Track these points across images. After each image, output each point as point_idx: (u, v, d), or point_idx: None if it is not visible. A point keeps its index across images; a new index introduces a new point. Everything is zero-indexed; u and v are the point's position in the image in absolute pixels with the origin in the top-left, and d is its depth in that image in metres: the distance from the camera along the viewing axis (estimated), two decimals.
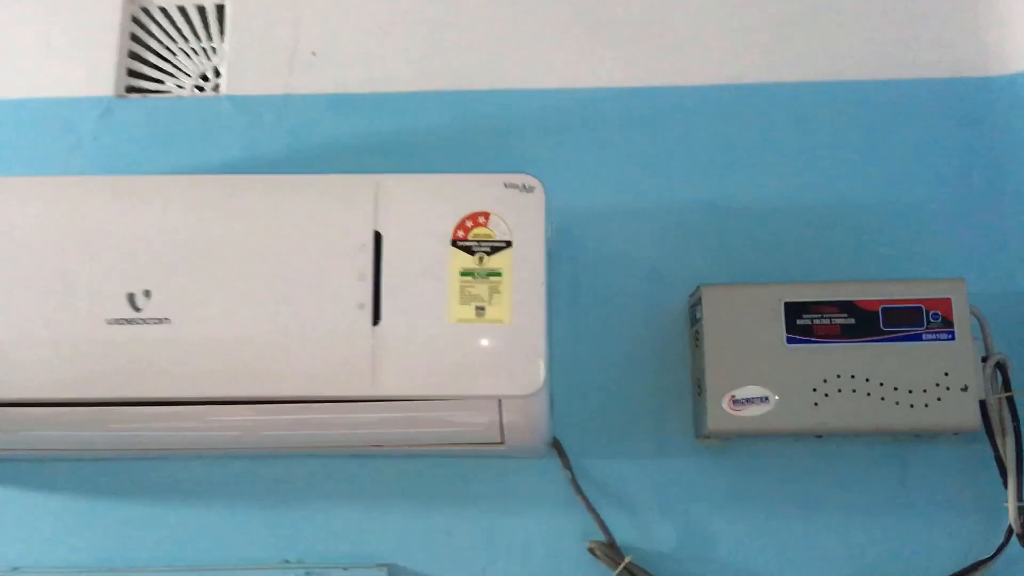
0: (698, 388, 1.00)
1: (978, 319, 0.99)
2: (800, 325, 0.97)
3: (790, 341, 0.96)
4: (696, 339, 1.01)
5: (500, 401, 0.90)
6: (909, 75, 1.09)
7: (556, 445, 1.02)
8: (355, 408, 0.90)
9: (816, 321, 0.97)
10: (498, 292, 0.90)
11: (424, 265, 0.90)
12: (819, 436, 1.01)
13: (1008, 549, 0.96)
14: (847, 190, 1.08)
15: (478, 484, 1.04)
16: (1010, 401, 0.97)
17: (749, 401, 0.96)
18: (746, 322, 0.97)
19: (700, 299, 0.98)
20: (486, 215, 0.92)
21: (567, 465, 1.01)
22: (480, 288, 0.90)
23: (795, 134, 1.09)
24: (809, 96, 1.10)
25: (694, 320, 1.02)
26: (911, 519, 1.01)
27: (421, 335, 0.89)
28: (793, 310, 0.97)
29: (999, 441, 0.97)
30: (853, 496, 1.02)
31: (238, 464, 1.04)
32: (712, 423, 0.96)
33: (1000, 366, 0.98)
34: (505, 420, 0.92)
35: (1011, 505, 0.96)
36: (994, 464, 0.97)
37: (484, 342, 0.89)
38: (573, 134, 1.12)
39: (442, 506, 1.04)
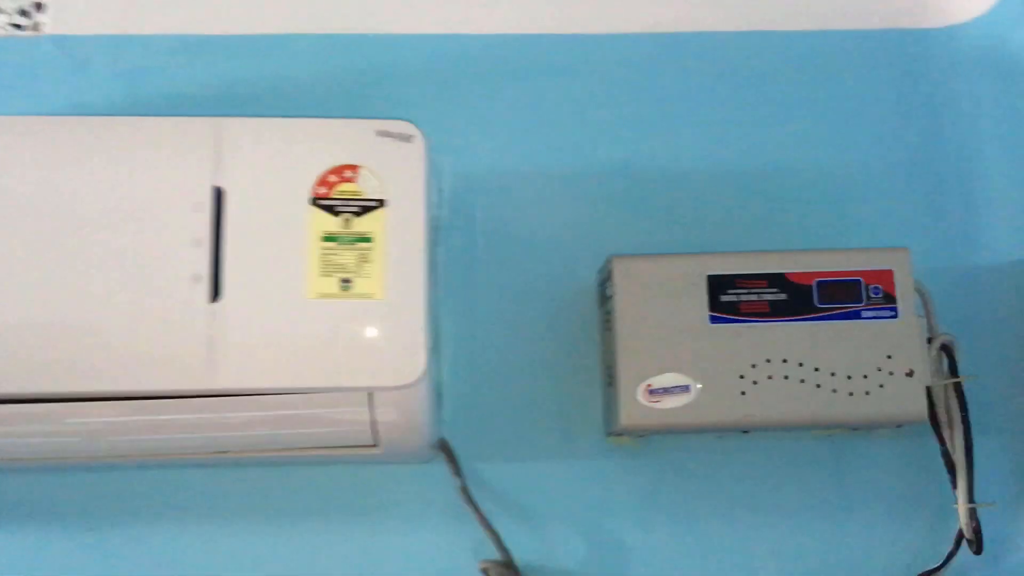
0: (609, 377, 0.86)
1: (921, 295, 0.87)
2: (725, 302, 0.84)
3: (714, 320, 0.83)
4: (607, 320, 0.87)
5: (370, 394, 0.75)
6: (841, 26, 0.97)
7: (443, 447, 0.87)
8: (189, 406, 0.72)
9: (743, 297, 0.84)
10: (368, 261, 0.74)
11: (277, 228, 0.74)
12: (746, 431, 0.89)
13: (958, 557, 0.85)
14: (775, 151, 0.95)
15: (349, 496, 0.88)
16: (957, 388, 0.86)
17: (667, 391, 0.82)
18: (664, 299, 0.83)
19: (610, 273, 0.85)
20: (354, 169, 0.76)
21: (456, 471, 0.86)
22: (346, 256, 0.74)
23: (717, 89, 0.96)
24: (733, 47, 0.97)
25: (604, 298, 0.88)
26: (850, 524, 0.88)
27: (271, 314, 0.72)
28: (717, 284, 0.83)
29: (946, 434, 0.86)
30: (784, 499, 0.89)
31: (52, 478, 0.86)
32: (625, 417, 0.82)
33: (946, 348, 0.86)
34: (378, 417, 0.76)
35: (961, 507, 0.85)
36: (940, 460, 0.86)
37: (350, 322, 0.73)
38: (466, 88, 0.96)
39: (306, 523, 0.87)
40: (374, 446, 0.78)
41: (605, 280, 0.87)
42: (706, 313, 0.83)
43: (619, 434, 0.86)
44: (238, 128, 0.75)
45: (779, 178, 0.94)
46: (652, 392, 0.82)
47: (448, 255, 0.93)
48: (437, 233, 0.91)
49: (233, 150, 0.74)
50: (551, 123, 0.96)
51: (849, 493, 0.89)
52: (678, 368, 0.82)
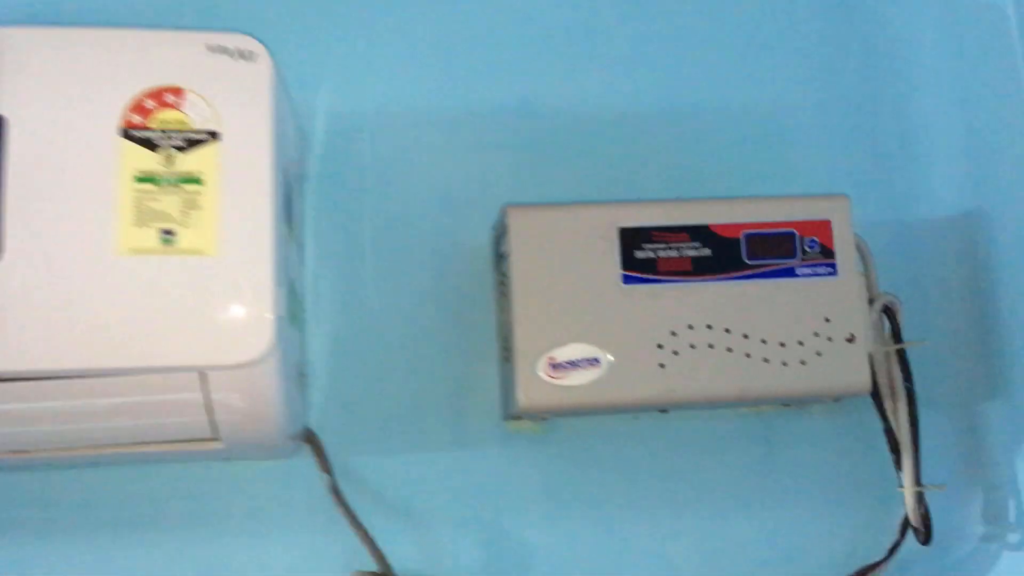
0: (506, 351, 0.73)
1: (860, 250, 0.77)
2: (640, 259, 0.72)
3: (627, 280, 0.71)
4: (502, 283, 0.74)
5: (202, 375, 0.60)
6: None
7: (309, 439, 0.73)
8: None
9: (661, 253, 0.72)
10: (197, 208, 0.59)
11: (76, 167, 0.58)
12: (665, 410, 0.78)
13: (904, 547, 0.74)
14: (694, 89, 0.82)
15: (198, 499, 0.72)
16: (901, 356, 0.75)
17: (573, 365, 0.70)
18: (568, 256, 0.70)
19: (506, 227, 0.72)
20: (178, 92, 0.61)
21: (325, 466, 0.72)
22: (168, 202, 0.59)
23: (628, 19, 0.83)
24: None
25: (500, 257, 0.75)
26: (783, 513, 0.77)
27: (69, 275, 0.57)
28: (631, 238, 0.71)
29: (889, 408, 0.75)
30: (709, 487, 0.77)
31: None
32: (523, 396, 0.68)
33: (888, 311, 0.76)
34: (214, 404, 0.61)
35: (907, 491, 0.74)
36: (883, 438, 0.76)
37: (173, 284, 0.59)
38: (341, 13, 0.82)
39: (144, 532, 0.72)
40: (214, 439, 0.63)
41: (500, 236, 0.74)
42: (618, 272, 0.70)
43: (518, 417, 0.73)
44: (23, 40, 0.58)
45: (699, 119, 0.82)
46: (555, 367, 0.69)
47: (317, 209, 0.78)
48: (301, 183, 0.77)
49: (17, 68, 0.58)
50: (441, 57, 0.82)
51: (782, 478, 0.77)
52: (585, 338, 0.69)
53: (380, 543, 0.71)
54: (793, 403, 0.77)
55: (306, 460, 0.72)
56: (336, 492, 0.72)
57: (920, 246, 0.82)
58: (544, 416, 0.74)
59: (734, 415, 0.78)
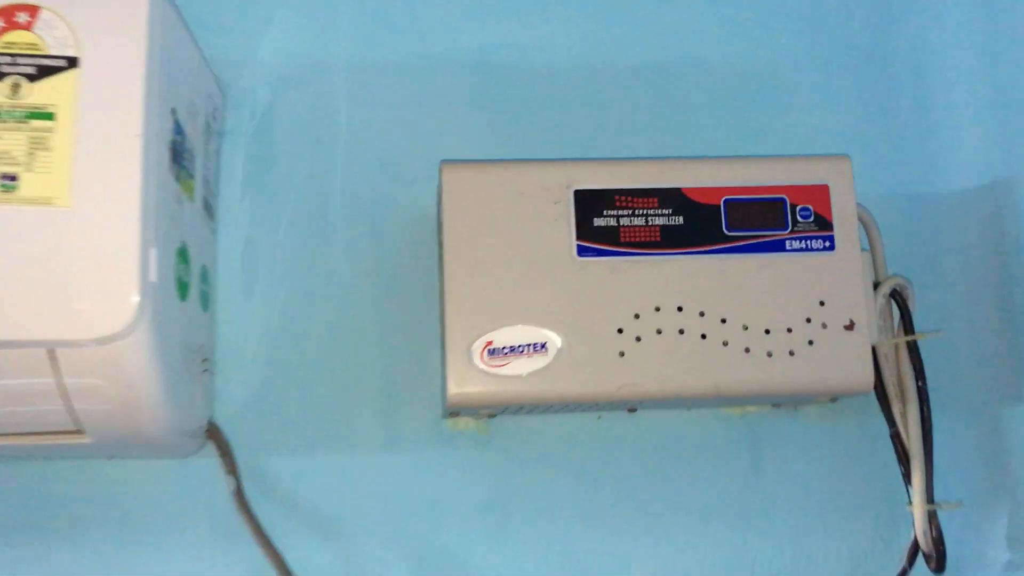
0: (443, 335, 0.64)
1: (865, 224, 0.66)
2: (599, 227, 0.61)
3: (583, 252, 0.60)
4: (440, 253, 0.64)
5: (52, 353, 0.50)
6: None
7: (213, 435, 0.62)
8: None
9: (624, 220, 0.61)
10: (46, 149, 0.49)
11: None
12: (632, 409, 0.67)
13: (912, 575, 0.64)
14: (677, 40, 0.71)
15: (76, 504, 0.62)
16: (912, 349, 0.64)
17: (515, 351, 0.59)
18: (514, 222, 0.59)
19: (440, 187, 0.62)
20: (32, 9, 0.51)
21: (230, 467, 0.61)
22: (10, 140, 0.49)
23: None
24: None
25: (440, 223, 0.65)
26: (769, 533, 0.65)
27: None
28: (589, 202, 0.60)
29: (896, 410, 0.64)
30: (682, 499, 0.65)
31: None
32: (454, 386, 0.57)
33: (898, 296, 0.65)
34: (70, 389, 0.52)
35: (916, 509, 0.62)
36: (889, 446, 0.65)
37: (13, 240, 0.48)
38: None
39: (14, 540, 0.63)
40: (77, 432, 0.53)
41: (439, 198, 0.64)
42: (572, 242, 0.59)
43: (455, 413, 0.63)
44: None
45: (681, 74, 0.70)
46: (493, 353, 0.58)
47: (230, 167, 0.67)
48: (216, 139, 0.67)
49: None
50: (387, 3, 0.71)
51: (769, 491, 0.66)
52: (531, 319, 0.58)
53: (293, 558, 0.61)
54: (783, 403, 0.66)
55: (207, 461, 0.62)
56: (240, 497, 0.61)
57: (938, 222, 0.70)
58: (487, 413, 0.64)
59: (714, 417, 0.67)
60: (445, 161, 0.60)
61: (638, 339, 0.58)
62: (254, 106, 0.69)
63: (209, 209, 0.64)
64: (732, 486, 0.66)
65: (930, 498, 0.62)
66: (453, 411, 0.61)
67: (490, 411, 0.62)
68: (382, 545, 0.64)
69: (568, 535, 0.65)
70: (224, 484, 0.61)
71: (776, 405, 0.66)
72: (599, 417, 0.67)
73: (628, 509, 0.66)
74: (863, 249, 0.62)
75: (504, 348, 0.57)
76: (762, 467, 0.66)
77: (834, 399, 0.64)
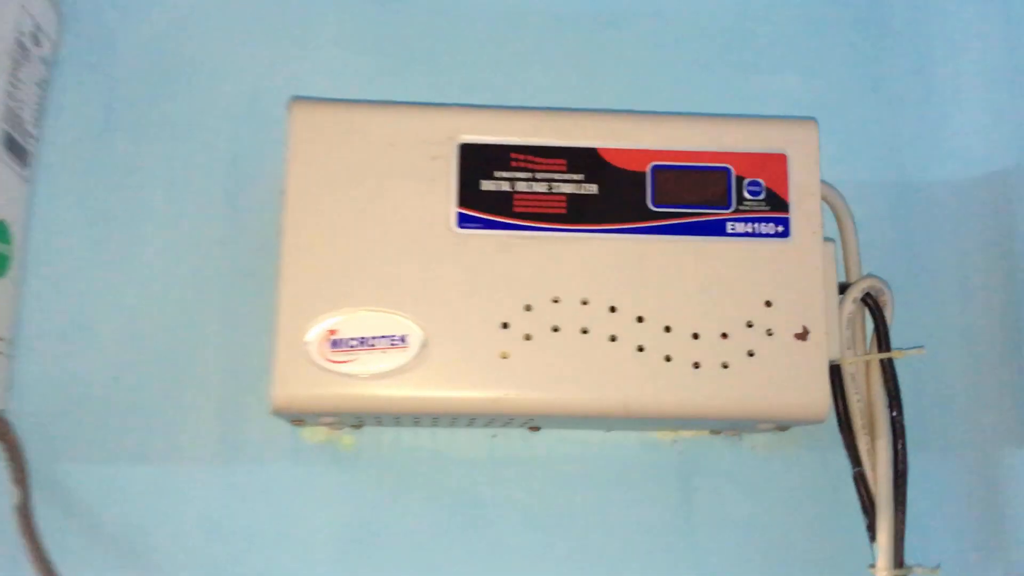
0: None
1: (833, 207, 0.53)
2: (488, 193, 0.48)
3: (465, 222, 0.47)
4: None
5: None
6: None
7: (1, 434, 0.50)
8: None
9: (521, 186, 0.48)
10: None
11: None
12: (536, 428, 0.54)
13: None
14: None
15: None
16: (887, 370, 0.51)
17: (365, 344, 0.46)
18: (378, 180, 0.46)
19: (288, 130, 0.47)
20: None
21: (19, 476, 0.48)
22: None
23: None
24: None
25: None
26: None
27: None
28: (477, 160, 0.46)
29: (863, 445, 0.51)
30: (596, 543, 0.52)
31: None
32: (281, 385, 0.44)
33: (871, 301, 0.52)
34: None
35: (881, 573, 0.50)
36: (852, 490, 0.52)
37: None
38: None
39: None
40: None
41: None
42: (451, 210, 0.47)
43: (300, 421, 0.49)
44: None
45: (625, 20, 0.57)
46: (337, 344, 0.46)
47: (60, 104, 0.56)
48: (23, 60, 0.54)
49: None
50: None
51: (701, 537, 0.53)
52: (390, 304, 0.45)
53: None
54: (721, 428, 0.54)
55: None
56: (24, 514, 0.49)
57: (929, 216, 0.57)
58: (350, 423, 0.51)
59: (639, 441, 0.54)
60: (296, 98, 0.48)
61: (528, 338, 0.45)
62: (94, 34, 0.57)
63: (17, 151, 0.52)
64: (656, 529, 0.53)
65: (899, 561, 0.49)
66: (293, 418, 0.49)
67: (350, 421, 0.50)
68: None
69: None
70: (7, 496, 0.50)
71: (716, 432, 0.54)
72: (494, 435, 0.54)
73: (523, 551, 0.53)
74: (827, 239, 0.50)
75: (351, 339, 0.45)
76: (694, 507, 0.53)
77: (783, 427, 0.51)
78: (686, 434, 0.54)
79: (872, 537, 0.50)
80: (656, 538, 0.53)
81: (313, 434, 0.53)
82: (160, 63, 0.56)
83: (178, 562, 0.51)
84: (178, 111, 0.56)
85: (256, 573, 0.51)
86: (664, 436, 0.54)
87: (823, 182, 0.49)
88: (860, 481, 0.51)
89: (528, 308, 0.46)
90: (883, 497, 0.50)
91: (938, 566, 0.51)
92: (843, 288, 0.51)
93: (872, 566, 0.49)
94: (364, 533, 0.52)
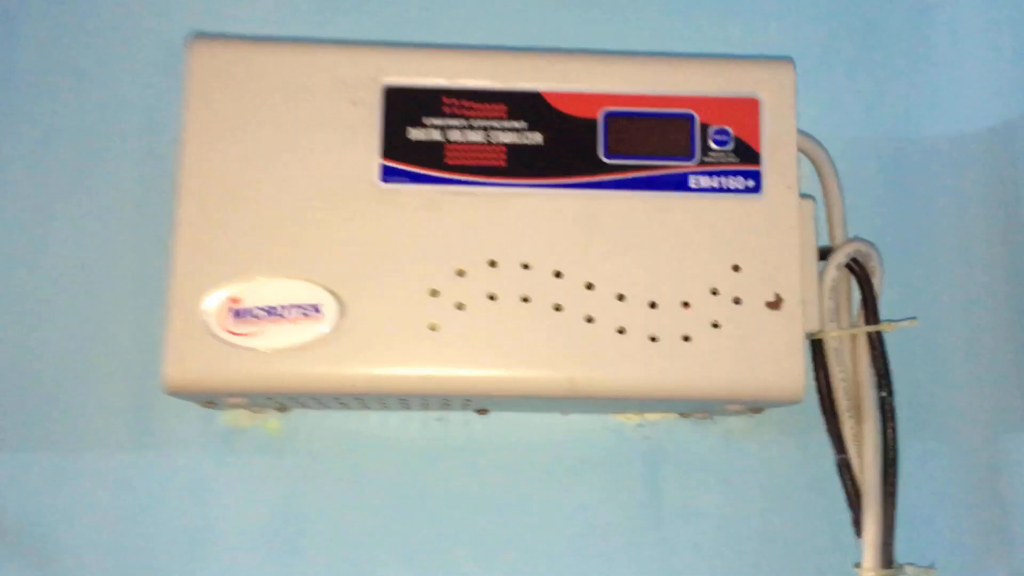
0: None
1: (815, 161, 0.47)
2: (417, 143, 0.42)
3: (390, 176, 0.41)
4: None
5: None
6: None
7: None
8: None
9: (454, 135, 0.42)
10: None
11: None
12: (484, 411, 0.49)
13: None
14: None
15: None
16: (875, 344, 0.45)
17: (273, 314, 0.41)
18: (290, 128, 0.40)
19: (187, 71, 0.41)
20: None
21: None
22: None
23: None
24: None
25: None
26: None
27: None
28: (404, 106, 0.41)
29: (847, 430, 0.45)
30: (551, 539, 0.47)
31: None
32: (175, 362, 0.38)
33: (857, 267, 0.46)
34: None
35: (866, 573, 0.45)
36: (835, 482, 0.46)
37: None
38: None
39: None
40: None
41: None
42: (374, 162, 0.41)
43: (211, 402, 0.43)
44: None
45: None
46: (240, 315, 0.40)
47: None
48: None
49: None
50: None
51: (669, 531, 0.47)
52: (302, 269, 0.40)
53: None
54: (691, 410, 0.48)
55: None
56: None
57: (924, 173, 0.51)
58: (280, 404, 0.46)
59: (600, 425, 0.48)
60: (197, 34, 0.42)
61: (460, 307, 0.40)
62: None
63: None
64: (620, 522, 0.47)
65: (887, 559, 0.43)
66: (201, 400, 0.43)
67: (264, 402, 0.45)
68: None
69: None
70: None
71: (686, 414, 0.49)
72: (438, 419, 0.49)
73: (468, 547, 0.47)
74: (805, 196, 0.44)
75: (257, 309, 0.39)
76: (663, 498, 0.47)
77: (756, 409, 0.46)
78: (653, 417, 0.48)
79: (858, 532, 0.44)
80: (620, 533, 0.47)
81: (235, 419, 0.47)
82: (68, 8, 0.51)
83: (84, 559, 0.46)
84: (86, 60, 0.51)
85: (172, 572, 0.47)
86: (628, 420, 0.49)
87: (801, 132, 0.44)
88: (844, 470, 0.45)
89: (461, 273, 0.40)
90: (870, 488, 0.44)
91: (932, 565, 0.45)
92: (825, 253, 0.45)
93: (858, 565, 0.44)
94: (293, 528, 0.47)
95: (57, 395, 0.47)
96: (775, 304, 0.41)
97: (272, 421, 0.48)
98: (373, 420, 0.48)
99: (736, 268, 0.41)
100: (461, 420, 0.49)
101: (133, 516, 0.47)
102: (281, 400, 0.43)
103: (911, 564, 0.45)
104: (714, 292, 0.41)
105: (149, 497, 0.47)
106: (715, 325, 0.40)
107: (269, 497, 0.47)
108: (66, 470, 0.47)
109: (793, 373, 0.40)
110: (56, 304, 0.48)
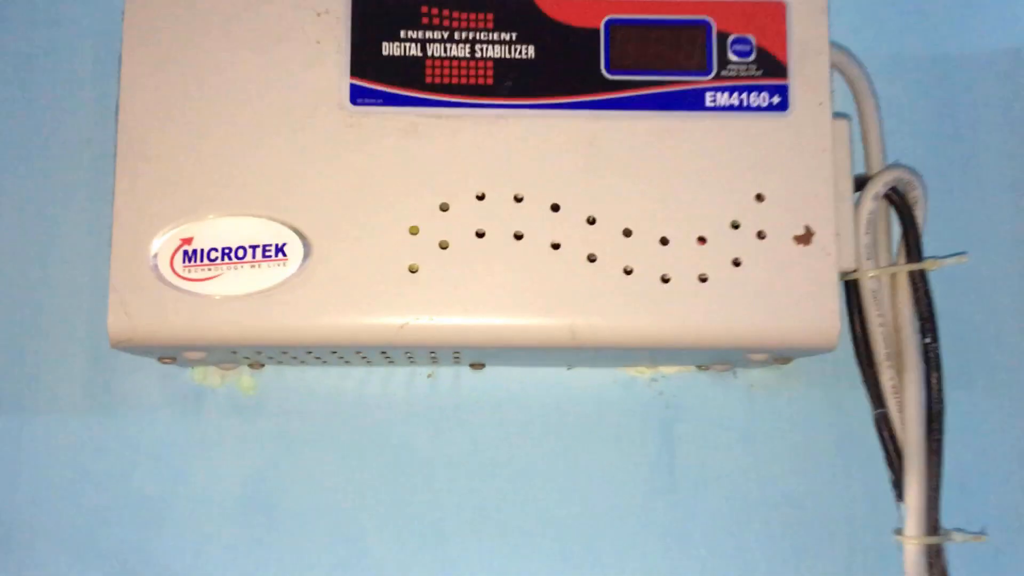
0: None
1: (849, 77, 0.42)
2: (392, 59, 0.36)
3: (361, 97, 0.36)
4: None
5: None
6: None
7: None
8: None
9: (435, 48, 0.37)
10: None
11: None
12: (479, 365, 0.44)
13: None
14: None
15: None
16: (917, 285, 0.40)
17: (231, 256, 0.36)
18: (247, 44, 0.35)
19: None
20: None
21: None
22: None
23: None
24: None
25: None
26: (687, 561, 0.41)
27: None
28: (375, 16, 0.35)
29: (886, 382, 0.40)
30: (556, 505, 0.43)
31: None
32: (120, 314, 0.33)
33: (897, 197, 0.40)
34: None
35: (909, 543, 0.39)
36: (872, 439, 0.42)
37: None
38: None
39: None
40: None
41: None
42: (343, 81, 0.36)
43: (171, 358, 0.39)
44: None
45: None
46: (192, 257, 0.36)
47: None
48: None
49: None
50: None
51: (687, 497, 0.42)
52: (263, 205, 0.35)
53: None
54: (710, 361, 0.44)
55: None
56: None
57: (974, 94, 0.45)
58: (232, 360, 0.41)
59: (609, 379, 0.43)
60: None
61: (443, 246, 0.35)
62: None
63: None
64: (632, 487, 0.43)
65: (932, 525, 0.39)
66: (158, 356, 0.39)
67: (228, 357, 0.40)
68: (73, 555, 0.43)
69: (367, 549, 0.42)
70: None
71: (703, 366, 0.44)
72: (429, 375, 0.45)
73: (465, 515, 0.43)
74: (839, 115, 0.39)
75: (211, 251, 0.35)
76: (678, 460, 0.43)
77: (783, 359, 0.41)
78: (667, 371, 0.43)
79: (899, 495, 0.40)
80: (632, 499, 0.43)
81: (204, 376, 0.43)
82: None
83: (37, 532, 0.42)
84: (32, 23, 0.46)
85: (138, 542, 0.42)
86: (640, 373, 0.44)
87: (834, 45, 0.39)
88: (884, 425, 0.40)
89: (444, 208, 0.35)
90: (912, 445, 0.39)
91: (983, 531, 0.41)
92: (861, 182, 0.40)
93: (899, 531, 0.40)
94: (268, 496, 0.42)
95: (13, 358, 0.43)
96: (805, 238, 0.36)
97: (245, 379, 0.44)
98: (356, 377, 0.44)
99: (760, 197, 0.35)
100: (452, 376, 0.44)
101: (90, 485, 0.42)
102: (247, 354, 0.39)
103: (959, 530, 0.40)
104: (735, 225, 0.35)
105: (108, 464, 0.43)
106: (736, 263, 0.35)
107: (242, 462, 0.43)
108: (14, 435, 0.43)
109: (826, 317, 0.35)
110: (11, 267, 0.43)
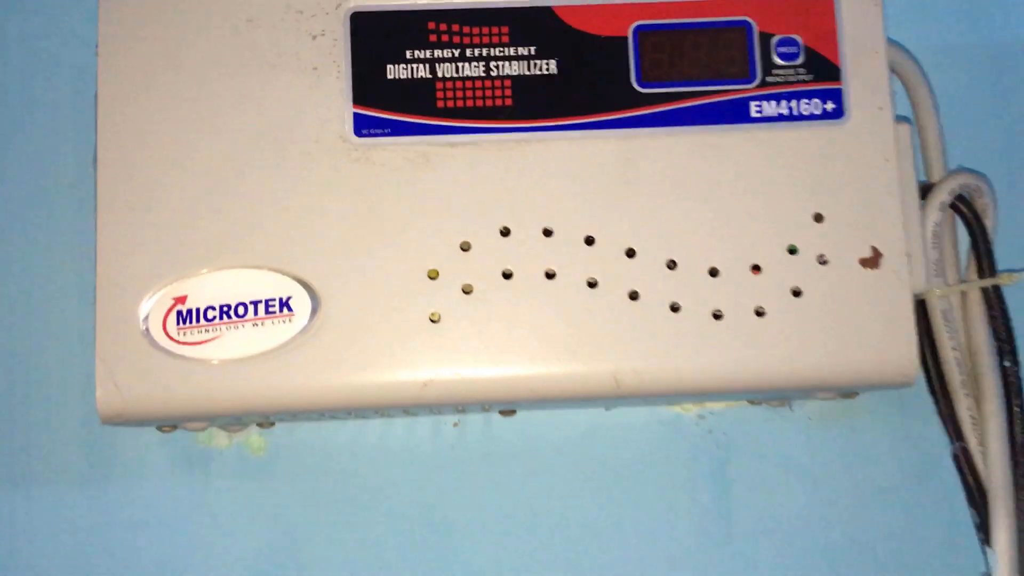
0: None
1: (905, 79, 0.39)
2: (397, 82, 0.33)
3: (365, 127, 0.32)
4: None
5: None
6: None
7: None
8: None
9: (445, 69, 0.34)
10: None
11: None
12: (510, 412, 0.40)
13: None
14: None
15: None
16: (991, 302, 0.36)
17: (229, 315, 0.33)
18: (236, 73, 0.32)
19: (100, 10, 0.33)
20: None
21: None
22: None
23: None
24: None
25: None
26: None
27: None
28: (378, 37, 0.32)
29: (963, 412, 0.37)
30: (600, 553, 0.40)
31: None
32: (109, 386, 0.30)
33: (965, 208, 0.38)
34: None
35: None
36: (951, 473, 0.38)
37: None
38: None
39: None
40: None
41: None
42: (345, 110, 0.33)
43: (171, 427, 0.35)
44: None
45: None
46: (187, 319, 0.32)
47: None
48: None
49: None
50: None
51: (743, 539, 0.38)
52: (261, 254, 0.33)
53: None
54: (765, 397, 0.40)
55: None
56: None
57: None
58: (261, 419, 0.38)
59: (652, 418, 0.39)
60: None
61: (466, 291, 0.31)
62: None
63: None
64: (684, 538, 0.39)
65: None
66: (157, 425, 0.35)
67: (231, 422, 0.37)
68: None
69: None
70: None
71: (755, 401, 0.40)
72: (455, 423, 0.41)
73: (500, 570, 0.41)
74: (901, 119, 0.35)
75: (209, 310, 0.31)
76: (733, 506, 0.39)
77: (849, 393, 0.37)
78: (716, 406, 0.40)
79: (985, 539, 0.36)
80: (684, 552, 0.39)
81: (209, 438, 0.40)
82: None
83: None
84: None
85: None
86: (685, 411, 0.41)
87: (891, 41, 0.35)
88: (963, 461, 0.36)
89: (465, 248, 0.32)
90: (998, 482, 0.35)
91: None
92: (923, 192, 0.37)
93: (984, 574, 0.36)
94: (286, 563, 0.39)
95: (5, 427, 0.40)
96: (872, 261, 0.32)
97: (254, 438, 0.40)
98: (375, 430, 0.40)
99: (818, 218, 0.32)
100: (481, 423, 0.40)
101: (93, 562, 0.39)
102: (254, 419, 0.35)
103: None
104: (792, 251, 0.32)
105: (110, 538, 0.39)
106: (796, 293, 0.32)
107: (256, 528, 0.39)
108: (7, 512, 0.40)
109: (902, 348, 0.31)
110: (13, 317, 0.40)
